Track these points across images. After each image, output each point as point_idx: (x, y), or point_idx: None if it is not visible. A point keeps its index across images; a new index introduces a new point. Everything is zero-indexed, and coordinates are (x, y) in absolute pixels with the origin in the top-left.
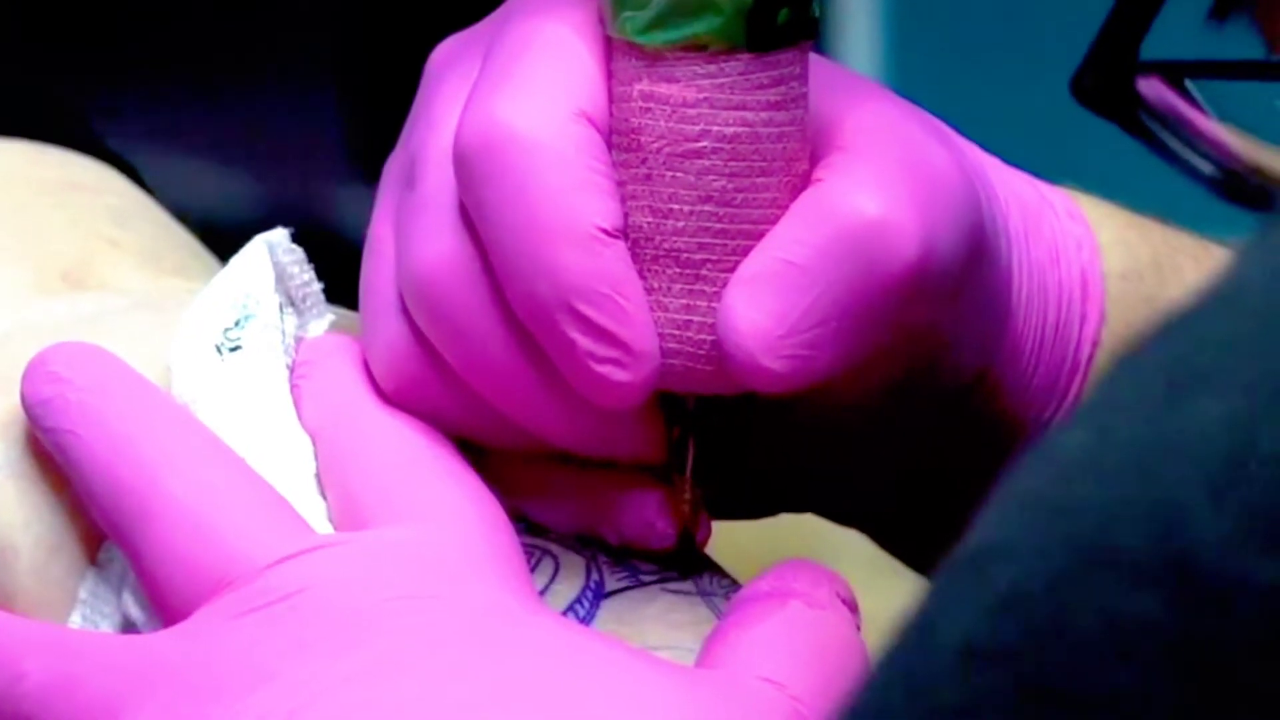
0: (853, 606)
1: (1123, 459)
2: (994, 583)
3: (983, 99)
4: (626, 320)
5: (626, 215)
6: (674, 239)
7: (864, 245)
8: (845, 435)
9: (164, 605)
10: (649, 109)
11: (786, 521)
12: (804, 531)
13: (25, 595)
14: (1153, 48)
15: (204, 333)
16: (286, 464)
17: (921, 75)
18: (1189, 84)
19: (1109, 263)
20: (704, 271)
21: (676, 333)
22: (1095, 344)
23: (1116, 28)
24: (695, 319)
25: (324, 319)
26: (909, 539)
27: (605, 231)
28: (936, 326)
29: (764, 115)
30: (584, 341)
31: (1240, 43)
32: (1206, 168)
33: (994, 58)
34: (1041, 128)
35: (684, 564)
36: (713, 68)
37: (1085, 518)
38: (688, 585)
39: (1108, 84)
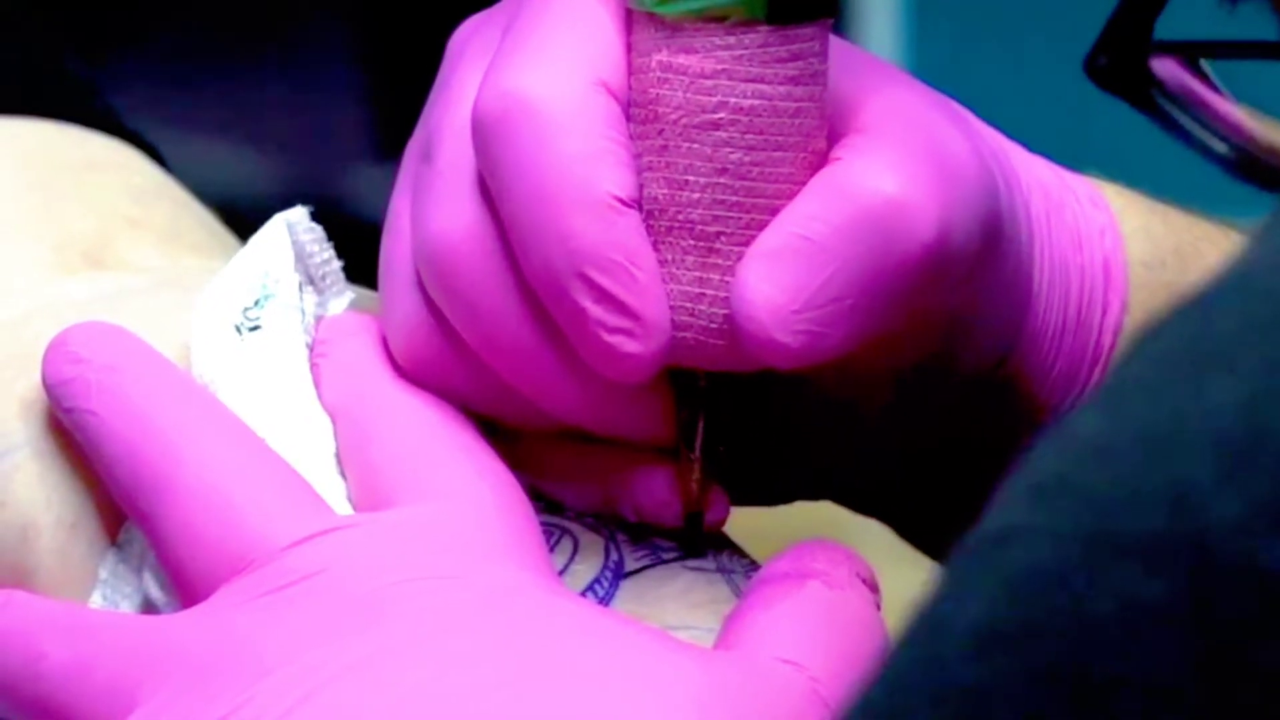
0: (873, 586)
1: (1136, 442)
2: (1007, 566)
3: (1004, 84)
4: (638, 290)
5: (642, 187)
6: (689, 211)
7: (881, 225)
8: (860, 419)
9: (184, 585)
10: (667, 79)
11: (804, 508)
12: (822, 518)
13: (46, 574)
14: (1167, 29)
15: (224, 312)
16: (306, 444)
17: (942, 60)
18: (1204, 64)
19: (1132, 250)
20: (718, 245)
21: (689, 305)
22: (1117, 332)
23: (1131, 7)
24: (708, 292)
25: (344, 297)
26: (927, 526)
27: (620, 200)
28: (953, 311)
29: (782, 89)
30: (595, 310)
31: (1254, 24)
32: (1221, 147)
33: (1015, 43)
34: (1062, 112)
35: (691, 544)
36: (731, 39)
37: (1098, 501)
38: (708, 562)
39: (1121, 63)
